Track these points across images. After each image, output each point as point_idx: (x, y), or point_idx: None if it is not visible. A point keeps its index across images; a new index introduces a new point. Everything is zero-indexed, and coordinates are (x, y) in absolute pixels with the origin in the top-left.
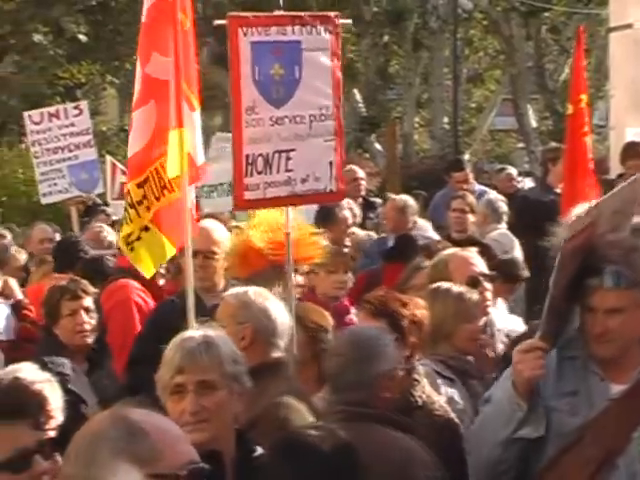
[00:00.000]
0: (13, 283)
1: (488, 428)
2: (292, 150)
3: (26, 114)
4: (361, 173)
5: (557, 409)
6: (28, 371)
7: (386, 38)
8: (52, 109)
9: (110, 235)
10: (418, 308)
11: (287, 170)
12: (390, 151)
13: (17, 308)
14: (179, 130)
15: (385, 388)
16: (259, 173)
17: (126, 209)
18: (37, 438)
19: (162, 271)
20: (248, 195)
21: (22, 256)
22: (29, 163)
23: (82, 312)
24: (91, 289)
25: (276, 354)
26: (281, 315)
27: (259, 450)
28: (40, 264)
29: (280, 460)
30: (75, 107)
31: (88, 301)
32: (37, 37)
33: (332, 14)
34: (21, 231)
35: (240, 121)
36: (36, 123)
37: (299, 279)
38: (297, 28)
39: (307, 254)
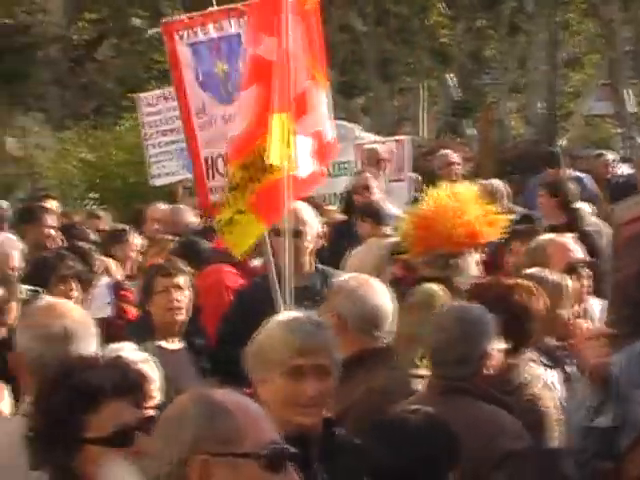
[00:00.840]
0: (112, 264)
1: (569, 416)
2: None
3: (142, 95)
4: (455, 157)
5: (633, 400)
6: (129, 351)
7: (481, 22)
8: (165, 91)
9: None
10: (530, 294)
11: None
12: (484, 136)
13: (116, 288)
14: (280, 115)
15: (486, 366)
16: (221, 175)
17: (225, 192)
18: (138, 415)
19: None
20: (213, 198)
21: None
22: (124, 145)
23: (174, 290)
24: (186, 268)
25: (373, 342)
26: (380, 302)
27: (342, 432)
28: (153, 244)
29: (375, 443)
30: None
31: (181, 279)
32: (135, 21)
33: None
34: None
35: (192, 126)
36: (150, 105)
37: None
38: (234, 21)
39: (489, 232)
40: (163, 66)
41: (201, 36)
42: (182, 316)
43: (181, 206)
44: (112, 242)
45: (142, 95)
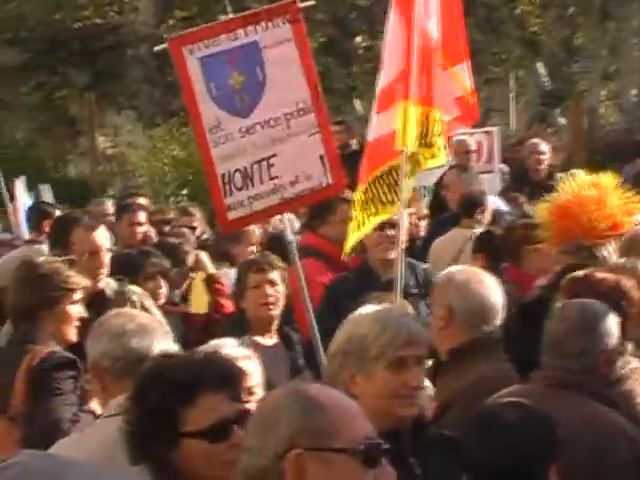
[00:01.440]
0: (205, 257)
1: None
2: (272, 156)
3: None
4: (544, 147)
5: None
6: (230, 347)
7: (572, 10)
8: None
9: None
10: (628, 287)
11: (271, 178)
12: (575, 125)
13: (210, 282)
14: (405, 102)
15: (603, 363)
16: (239, 189)
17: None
18: (236, 409)
19: None
20: (232, 215)
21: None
22: None
23: (267, 285)
24: (279, 264)
25: (480, 334)
26: (491, 296)
27: (431, 426)
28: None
29: (472, 436)
30: None
31: (274, 274)
32: (223, 18)
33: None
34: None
35: (206, 142)
36: None
37: None
38: (250, 29)
39: (629, 222)
40: None
41: (212, 48)
42: (275, 311)
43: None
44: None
45: None
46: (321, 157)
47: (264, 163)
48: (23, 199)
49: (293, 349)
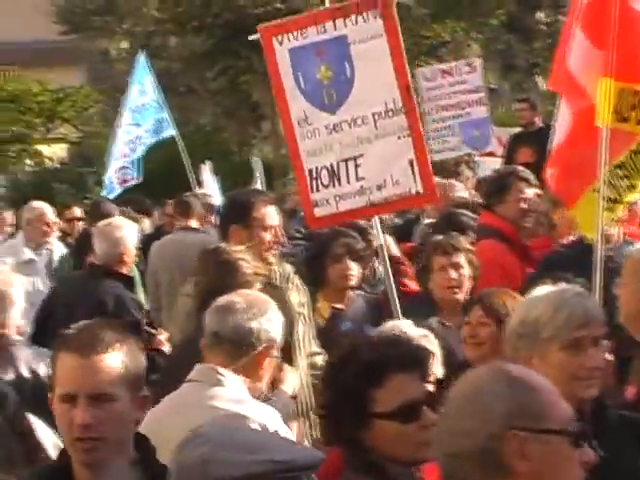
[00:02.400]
0: (389, 240)
1: None
2: (359, 156)
3: (419, 70)
4: None
5: None
6: (407, 327)
7: None
8: (444, 66)
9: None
10: None
11: (358, 179)
12: None
13: (395, 263)
14: (607, 79)
15: None
16: (326, 187)
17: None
18: (425, 390)
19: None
20: (319, 212)
21: None
22: None
23: (451, 269)
24: (464, 245)
25: None
26: None
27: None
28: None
29: None
30: (467, 64)
31: (460, 257)
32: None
33: None
34: None
35: (294, 135)
36: (428, 80)
37: None
38: (339, 22)
39: None
40: (432, 42)
41: (301, 40)
42: (461, 294)
43: (453, 181)
44: None
45: (420, 69)
46: (411, 162)
47: (351, 162)
48: (210, 183)
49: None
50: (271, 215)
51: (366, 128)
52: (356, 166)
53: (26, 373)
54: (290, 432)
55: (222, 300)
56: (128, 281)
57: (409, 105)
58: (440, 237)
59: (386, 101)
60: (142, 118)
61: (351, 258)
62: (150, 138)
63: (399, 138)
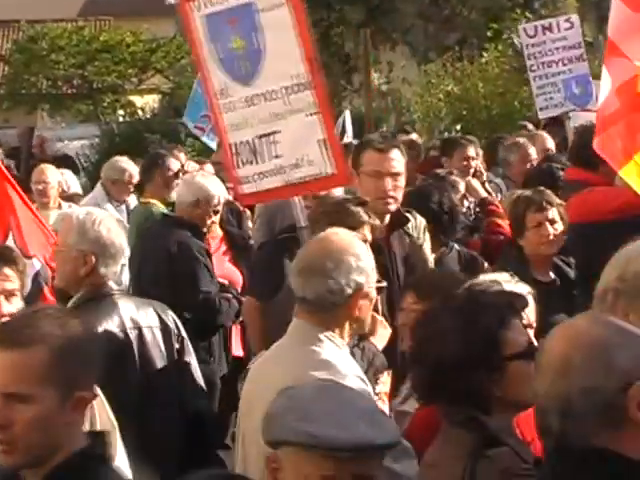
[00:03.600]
0: (476, 183)
1: None
2: (276, 132)
3: (521, 27)
4: None
5: None
6: (504, 280)
7: None
8: (545, 22)
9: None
10: None
11: (275, 156)
12: None
13: (483, 205)
14: None
15: None
16: (248, 163)
17: None
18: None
19: None
20: (244, 189)
21: None
22: (489, 76)
23: (547, 224)
24: (557, 200)
25: None
26: None
27: None
28: None
29: None
30: (566, 20)
31: (553, 212)
32: None
33: None
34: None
35: (215, 108)
36: (530, 36)
37: None
38: None
39: None
40: None
41: (216, 6)
42: (554, 249)
43: (539, 132)
44: None
45: (521, 26)
46: (320, 142)
47: (268, 138)
48: None
49: (569, 285)
50: (378, 162)
51: (278, 103)
52: (273, 142)
53: (128, 323)
54: (382, 387)
55: (306, 259)
56: (197, 231)
57: (315, 80)
58: (531, 193)
59: (292, 75)
60: None
61: None
62: None
63: (307, 116)
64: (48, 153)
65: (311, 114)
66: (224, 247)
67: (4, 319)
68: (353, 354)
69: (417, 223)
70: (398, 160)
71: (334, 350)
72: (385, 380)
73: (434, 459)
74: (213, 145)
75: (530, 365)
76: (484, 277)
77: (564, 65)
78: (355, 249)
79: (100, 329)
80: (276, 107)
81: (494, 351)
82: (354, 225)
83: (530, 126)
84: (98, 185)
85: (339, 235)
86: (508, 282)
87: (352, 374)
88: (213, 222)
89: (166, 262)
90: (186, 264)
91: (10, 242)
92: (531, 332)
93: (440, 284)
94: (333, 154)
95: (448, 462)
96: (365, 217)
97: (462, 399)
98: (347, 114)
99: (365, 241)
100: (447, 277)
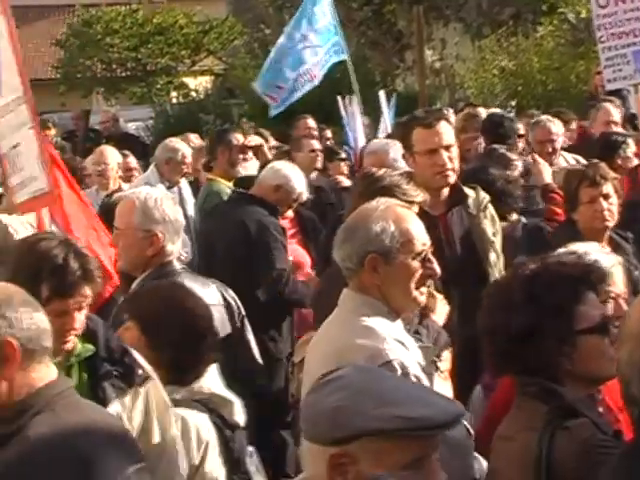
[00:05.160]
0: (544, 168)
1: None
2: (19, 144)
3: None
4: None
5: None
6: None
7: None
8: None
9: None
10: None
11: (21, 169)
12: None
13: (545, 192)
14: None
15: None
16: (13, 174)
17: None
18: (606, 306)
19: None
20: (18, 197)
21: None
22: (544, 51)
23: (601, 199)
24: (611, 174)
25: None
26: None
27: None
28: None
29: None
30: None
31: (607, 187)
32: None
33: None
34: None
35: None
36: (602, 6)
37: None
38: None
39: None
40: None
41: None
42: (609, 222)
43: (604, 104)
44: None
45: None
46: (37, 157)
47: (16, 150)
48: (357, 116)
49: (625, 256)
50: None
51: (12, 115)
52: (17, 155)
53: None
54: (444, 364)
55: (341, 228)
56: (274, 209)
57: (27, 94)
58: (584, 168)
59: (15, 87)
60: (322, 40)
61: None
62: (328, 61)
63: (28, 129)
64: (120, 127)
65: (29, 128)
66: (294, 229)
67: (74, 333)
68: (419, 332)
69: (480, 199)
70: (447, 132)
71: (375, 317)
72: (447, 357)
73: (509, 431)
74: (273, 113)
75: (603, 340)
76: (573, 247)
77: (635, 37)
78: (386, 216)
79: None
80: (13, 118)
81: (565, 324)
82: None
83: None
84: (151, 166)
85: (374, 204)
86: (597, 252)
87: (393, 340)
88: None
89: (241, 238)
90: (263, 241)
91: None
92: (622, 302)
93: None
94: (45, 169)
95: (524, 434)
96: (414, 194)
97: (533, 370)
98: (382, 94)
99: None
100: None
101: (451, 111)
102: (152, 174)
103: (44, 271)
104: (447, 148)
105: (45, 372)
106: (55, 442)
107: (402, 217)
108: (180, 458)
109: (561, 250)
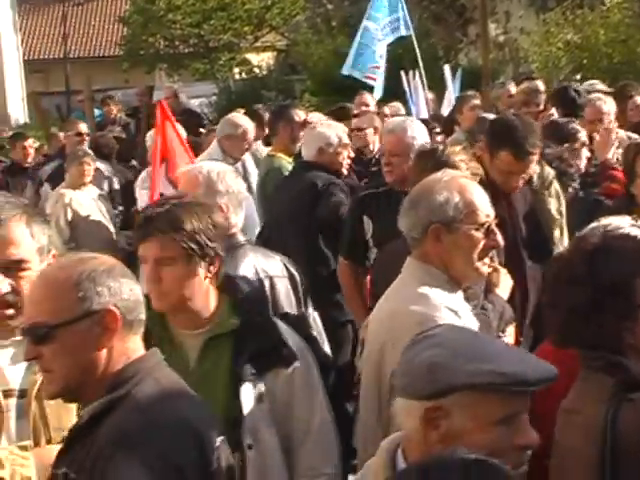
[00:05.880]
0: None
1: None
2: None
3: None
4: None
5: None
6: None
7: None
8: None
9: None
10: None
11: None
12: None
13: (604, 167)
14: None
15: None
16: None
17: None
18: None
19: None
20: None
21: None
22: (610, 24)
23: None
24: None
25: None
26: None
27: None
28: None
29: None
30: None
31: None
32: None
33: None
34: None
35: None
36: None
37: None
38: None
39: None
40: None
41: None
42: None
43: None
44: None
45: None
46: None
47: None
48: (420, 90)
49: None
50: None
51: None
52: None
53: (261, 273)
54: (508, 339)
55: (407, 197)
56: (336, 172)
57: None
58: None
59: None
60: (383, 15)
61: None
62: (389, 36)
63: None
64: (181, 103)
65: None
66: None
67: None
68: (485, 308)
69: (544, 175)
70: None
71: (434, 285)
72: (511, 332)
73: (574, 405)
74: (377, 94)
75: None
76: (605, 221)
77: None
78: (450, 187)
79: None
80: None
81: (625, 299)
82: None
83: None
84: (214, 142)
85: (439, 175)
86: (630, 226)
87: (445, 309)
88: (343, 164)
89: (309, 203)
90: (334, 206)
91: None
92: None
93: None
94: None
95: (589, 407)
96: (476, 167)
97: (596, 344)
98: (447, 68)
99: None
100: None
101: (514, 84)
102: (215, 149)
103: None
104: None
105: (139, 345)
106: (161, 406)
107: (466, 188)
108: (330, 443)
109: (593, 224)
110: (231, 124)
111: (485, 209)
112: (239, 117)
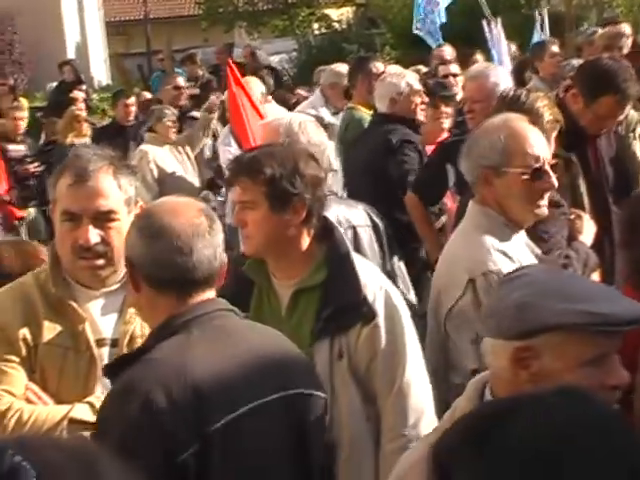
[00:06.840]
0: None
1: None
2: None
3: None
4: None
5: None
6: None
7: None
8: None
9: None
10: None
11: None
12: None
13: None
14: None
15: None
16: None
17: None
18: None
19: None
20: None
21: None
22: None
23: None
24: None
25: None
26: None
27: None
28: None
29: None
30: None
31: None
32: None
33: None
34: None
35: None
36: None
37: None
38: None
39: None
40: None
41: None
42: None
43: None
44: None
45: None
46: None
47: None
48: (502, 38)
49: None
50: None
51: None
52: None
53: (344, 223)
54: None
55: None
56: (413, 124)
57: None
58: None
59: None
60: None
61: None
62: None
63: None
64: (261, 61)
65: None
66: None
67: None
68: (569, 257)
69: (629, 119)
70: None
71: (490, 228)
72: (596, 279)
73: None
74: (431, 42)
75: None
76: None
77: None
78: (499, 131)
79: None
80: None
81: None
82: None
83: None
84: (317, 90)
85: (496, 119)
86: None
87: (497, 252)
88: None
89: (384, 153)
90: (405, 171)
91: None
92: None
93: None
94: None
95: None
96: (556, 112)
97: None
98: (539, 15)
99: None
100: None
101: (600, 31)
102: (317, 99)
103: None
104: None
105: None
106: (165, 364)
107: (516, 131)
108: (413, 403)
109: None
110: (335, 73)
111: (535, 152)
112: (343, 67)
